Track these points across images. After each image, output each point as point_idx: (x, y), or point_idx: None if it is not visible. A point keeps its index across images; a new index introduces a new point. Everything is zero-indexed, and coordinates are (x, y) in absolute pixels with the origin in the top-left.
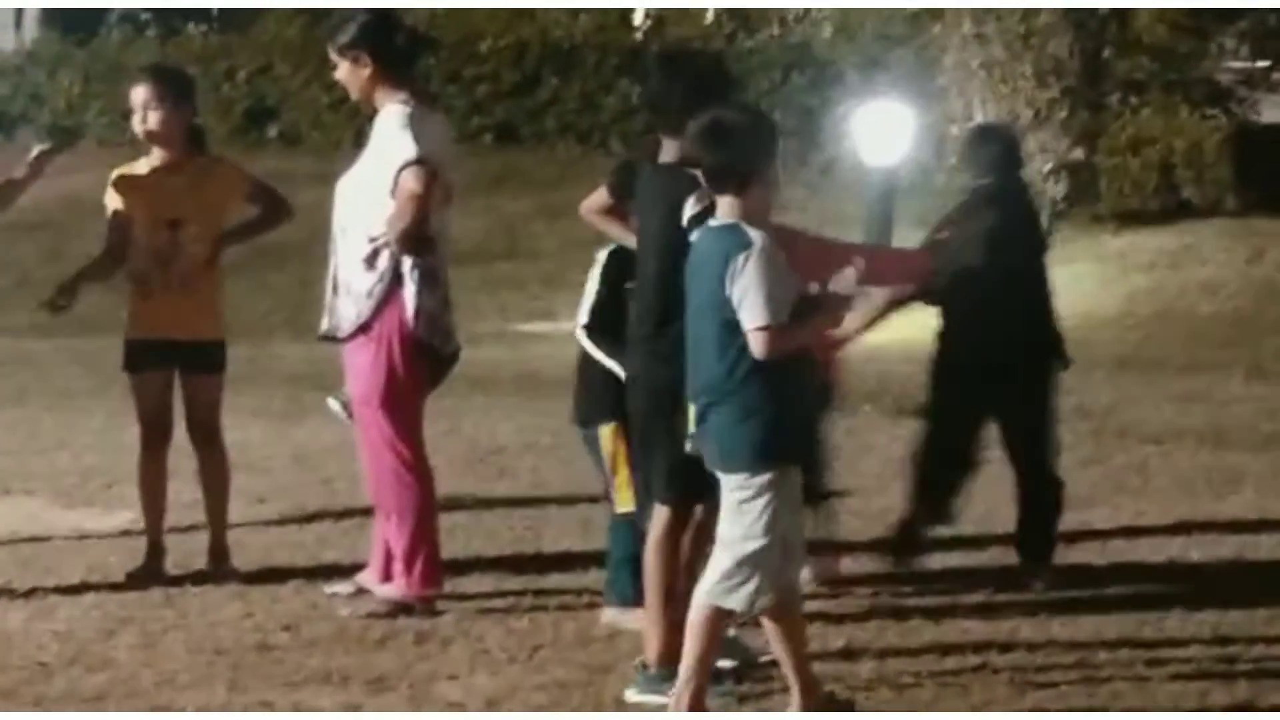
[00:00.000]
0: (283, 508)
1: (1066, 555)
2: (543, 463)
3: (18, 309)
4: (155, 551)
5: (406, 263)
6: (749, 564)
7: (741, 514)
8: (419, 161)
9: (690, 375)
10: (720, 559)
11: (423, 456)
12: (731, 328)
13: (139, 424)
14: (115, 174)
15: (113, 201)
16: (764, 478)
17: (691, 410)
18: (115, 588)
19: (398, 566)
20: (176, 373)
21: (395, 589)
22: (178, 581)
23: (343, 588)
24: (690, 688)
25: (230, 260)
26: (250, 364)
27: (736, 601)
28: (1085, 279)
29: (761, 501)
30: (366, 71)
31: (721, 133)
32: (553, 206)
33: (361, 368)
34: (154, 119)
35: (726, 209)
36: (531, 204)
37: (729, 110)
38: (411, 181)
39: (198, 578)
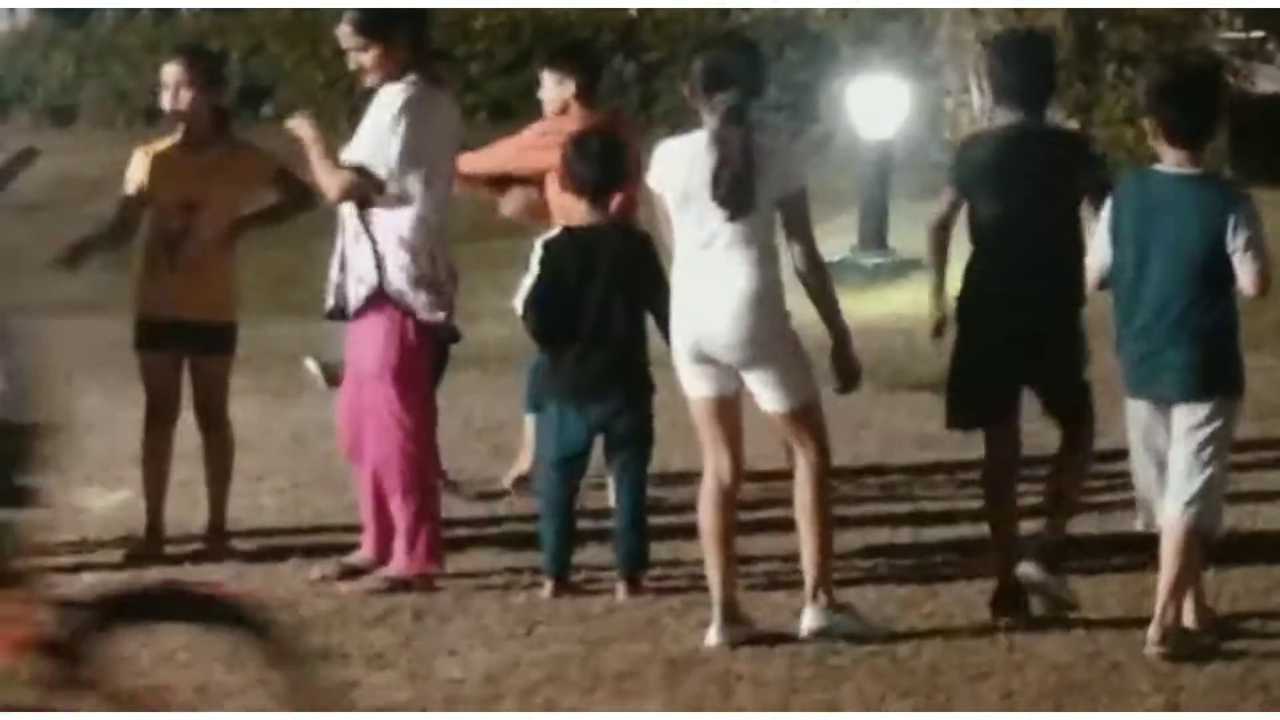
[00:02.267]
0: (279, 485)
1: None
2: None
3: (12, 290)
4: (154, 531)
5: (387, 241)
6: (1219, 486)
7: (1215, 440)
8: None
9: (1137, 310)
10: (1194, 483)
11: (429, 434)
12: (1221, 271)
13: (146, 403)
14: (140, 151)
15: (133, 177)
16: (1237, 404)
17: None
18: (114, 567)
19: (399, 543)
20: (185, 354)
21: (396, 566)
22: (176, 560)
23: (325, 569)
24: (1173, 607)
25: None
26: (246, 342)
27: (1214, 522)
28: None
29: (1230, 426)
30: (376, 51)
31: (1191, 91)
32: None
33: (373, 344)
34: (185, 98)
35: (1183, 160)
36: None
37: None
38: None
39: (195, 556)
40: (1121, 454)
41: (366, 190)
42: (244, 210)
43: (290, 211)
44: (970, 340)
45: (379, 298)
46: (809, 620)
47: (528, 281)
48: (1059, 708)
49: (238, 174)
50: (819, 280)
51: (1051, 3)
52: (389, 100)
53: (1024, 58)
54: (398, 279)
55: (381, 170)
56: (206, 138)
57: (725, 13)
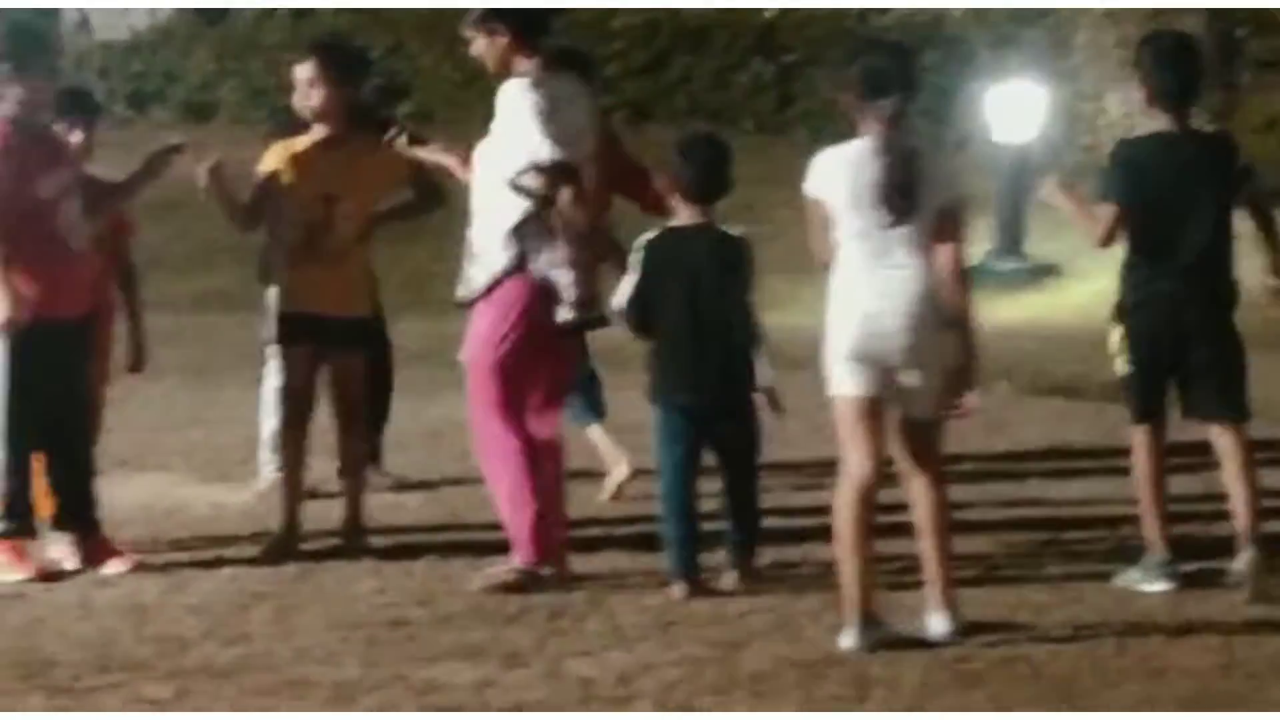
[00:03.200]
0: (416, 483)
1: None
2: None
3: (150, 287)
4: (291, 527)
5: (529, 234)
6: None
7: None
8: (554, 167)
9: None
10: None
11: (522, 425)
12: None
13: (282, 399)
14: (277, 145)
15: (268, 167)
16: None
17: None
18: (250, 562)
19: (511, 535)
20: (324, 350)
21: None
22: (313, 557)
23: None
24: None
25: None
26: (406, 338)
27: None
28: None
29: None
30: (503, 41)
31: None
32: None
33: (478, 332)
34: (316, 96)
35: None
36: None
37: None
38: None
39: (332, 553)
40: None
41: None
42: (380, 207)
43: (424, 209)
44: (1139, 342)
45: (496, 286)
46: (938, 626)
47: (628, 281)
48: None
49: (374, 169)
50: (961, 287)
51: (1191, 2)
52: (505, 98)
53: (1179, 61)
54: (518, 268)
55: (506, 168)
56: (341, 133)
57: (862, 15)
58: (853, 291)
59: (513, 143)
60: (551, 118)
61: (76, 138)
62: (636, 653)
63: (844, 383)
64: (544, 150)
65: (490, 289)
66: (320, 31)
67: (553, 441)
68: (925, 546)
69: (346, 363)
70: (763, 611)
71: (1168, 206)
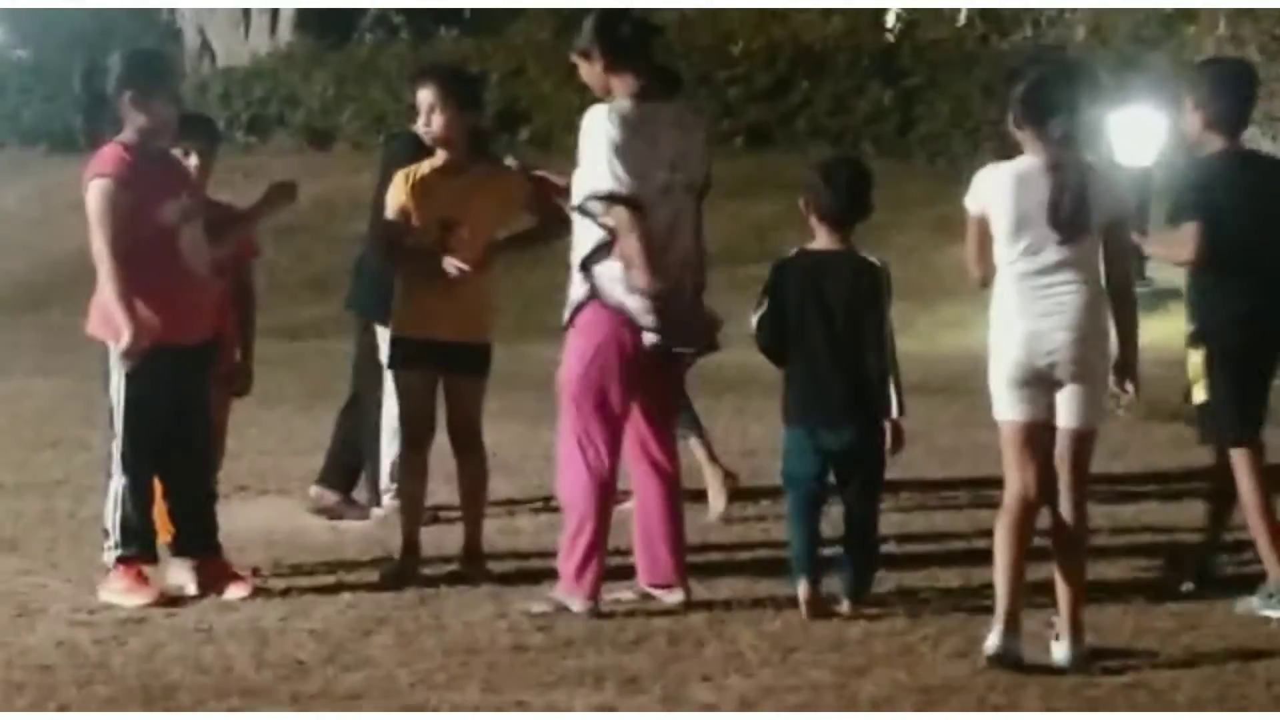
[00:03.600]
0: (535, 508)
1: None
2: None
3: (269, 312)
4: (411, 551)
5: (600, 261)
6: None
7: None
8: (609, 197)
9: None
10: None
11: (604, 459)
12: None
13: (401, 423)
14: (401, 173)
15: (394, 200)
16: None
17: None
18: (371, 587)
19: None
20: (441, 375)
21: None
22: (432, 582)
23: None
24: None
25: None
26: (502, 365)
27: None
28: None
29: None
30: (599, 66)
31: None
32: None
33: (566, 360)
34: (437, 122)
35: None
36: (783, 207)
37: None
38: (616, 223)
39: (452, 578)
40: None
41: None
42: (501, 233)
43: (545, 236)
44: (1227, 363)
45: (580, 310)
46: (1062, 655)
47: (762, 303)
48: None
49: (495, 195)
50: (1128, 302)
51: None
52: (585, 123)
53: (1239, 85)
54: (599, 294)
55: (622, 190)
56: (462, 159)
57: (984, 38)
58: (1018, 311)
59: (584, 170)
60: (626, 146)
61: (194, 162)
62: (757, 678)
63: (1010, 408)
64: (605, 179)
65: (573, 317)
66: (440, 56)
67: (664, 465)
68: (1062, 569)
69: (464, 388)
70: (883, 637)
71: (1243, 224)
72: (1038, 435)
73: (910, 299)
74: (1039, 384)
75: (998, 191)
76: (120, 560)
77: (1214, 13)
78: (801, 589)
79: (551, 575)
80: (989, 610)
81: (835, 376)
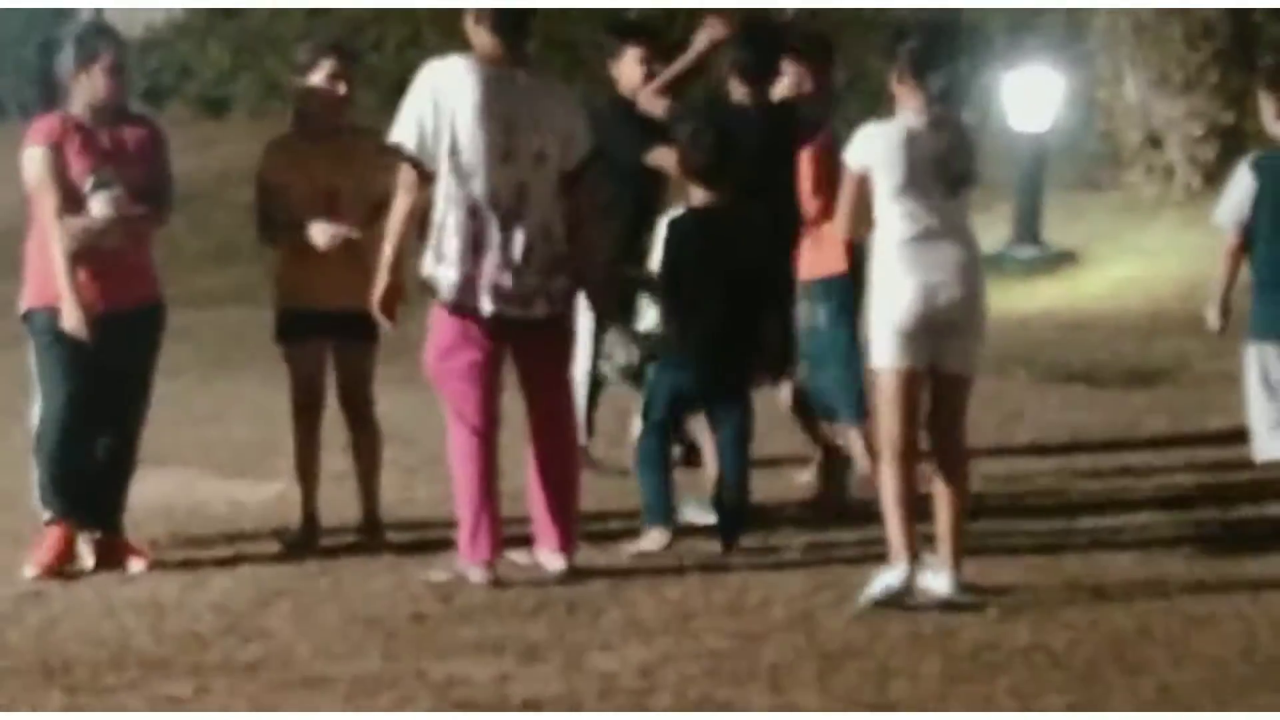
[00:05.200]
0: (434, 477)
1: None
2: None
3: (169, 282)
4: (309, 522)
5: (439, 227)
6: None
7: None
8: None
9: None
10: None
11: (480, 426)
12: None
13: (291, 394)
14: (271, 145)
15: (269, 174)
16: None
17: None
18: (269, 559)
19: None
20: (330, 343)
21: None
22: (331, 552)
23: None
24: None
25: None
26: (399, 334)
27: None
28: None
29: None
30: (470, 19)
31: None
32: None
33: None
34: (343, 89)
35: None
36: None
37: None
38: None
39: (351, 548)
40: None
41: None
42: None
43: None
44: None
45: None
46: (943, 585)
47: (654, 257)
48: (1218, 705)
49: (371, 157)
50: None
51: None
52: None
53: None
54: (427, 259)
55: (407, 145)
56: (334, 127)
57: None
58: (909, 265)
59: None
60: (440, 104)
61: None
62: (656, 645)
63: (893, 356)
64: (397, 130)
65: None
66: (336, 24)
67: (546, 432)
68: (945, 497)
69: (353, 356)
70: (782, 602)
71: None
72: (916, 382)
73: None
74: (924, 335)
75: (884, 149)
76: (48, 523)
77: None
78: (658, 534)
79: (449, 545)
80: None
81: (720, 321)
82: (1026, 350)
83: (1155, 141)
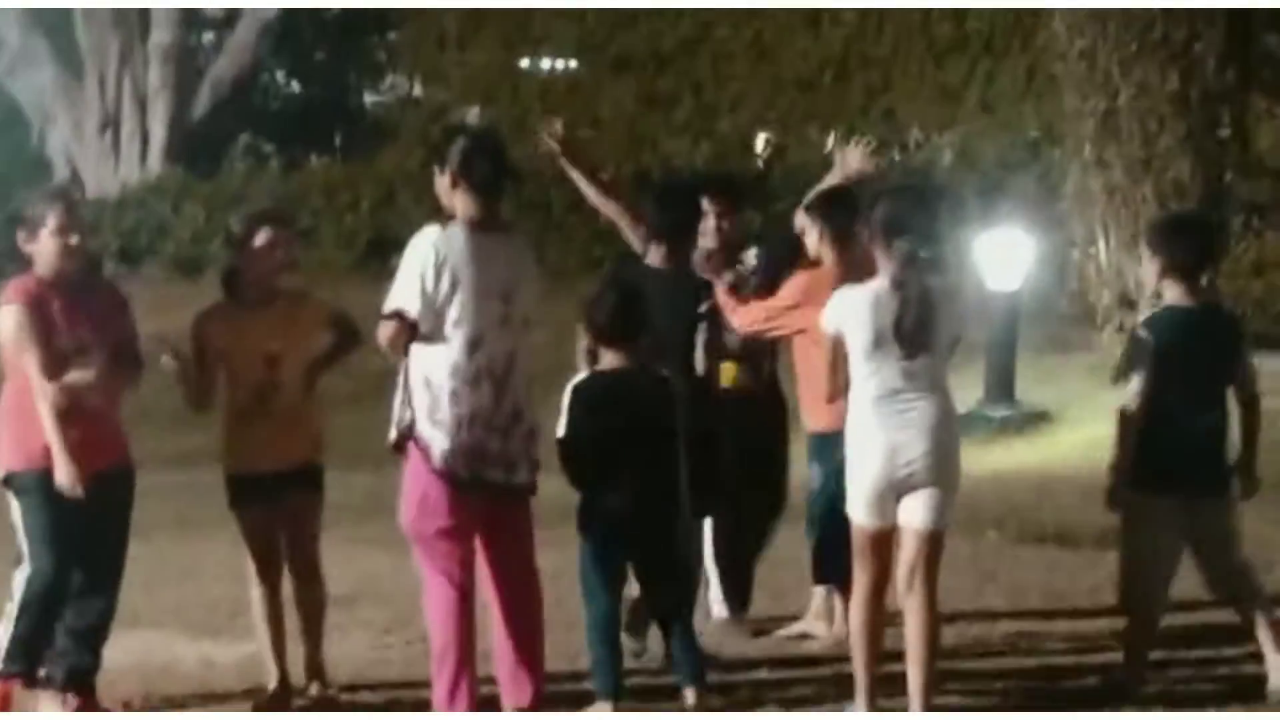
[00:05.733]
0: (409, 637)
1: None
2: None
3: (140, 443)
4: (283, 681)
5: (415, 395)
6: None
7: None
8: (395, 315)
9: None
10: None
11: (458, 582)
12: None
13: (253, 558)
14: (203, 315)
15: (207, 340)
16: None
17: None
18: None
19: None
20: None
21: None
22: (306, 710)
23: None
24: None
25: (346, 391)
26: (372, 495)
27: None
28: None
29: None
30: (444, 185)
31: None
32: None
33: (403, 485)
34: (288, 258)
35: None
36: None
37: None
38: (379, 334)
39: (322, 707)
40: None
41: (401, 335)
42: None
43: (349, 349)
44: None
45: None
46: None
47: (561, 423)
48: None
49: (307, 321)
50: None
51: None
52: (411, 242)
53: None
54: (419, 421)
55: (411, 313)
56: (273, 292)
57: None
58: (877, 425)
59: (397, 283)
60: (438, 273)
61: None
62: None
63: (866, 515)
64: (397, 298)
65: (401, 442)
66: (311, 184)
67: (509, 597)
68: (913, 665)
69: (300, 512)
70: None
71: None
72: (888, 537)
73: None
74: (893, 492)
75: (852, 311)
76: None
77: (1080, 137)
78: (605, 708)
79: (424, 706)
80: None
81: (637, 492)
82: (999, 510)
83: (1128, 302)
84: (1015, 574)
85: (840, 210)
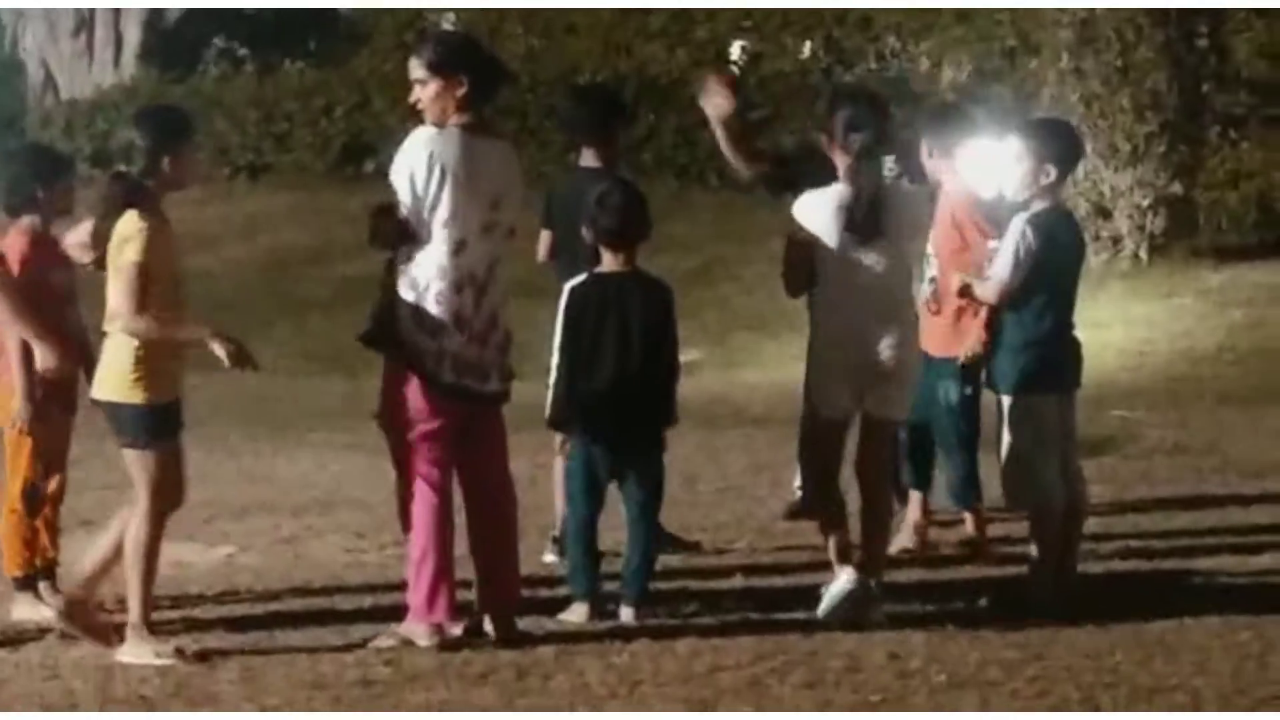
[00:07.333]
0: (383, 542)
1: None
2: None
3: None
4: None
5: (400, 297)
6: None
7: None
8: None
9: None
10: None
11: (438, 484)
12: None
13: (163, 496)
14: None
15: (145, 257)
16: None
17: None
18: (216, 623)
19: (416, 598)
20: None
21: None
22: (279, 617)
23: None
24: None
25: (318, 295)
26: (347, 399)
27: None
28: (1184, 314)
29: None
30: (460, 93)
31: None
32: (651, 241)
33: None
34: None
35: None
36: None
37: None
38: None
39: (297, 613)
40: None
41: (390, 231)
42: None
43: None
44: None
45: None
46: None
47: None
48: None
49: None
50: None
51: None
52: (405, 144)
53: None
54: (405, 325)
55: (401, 209)
56: None
57: (828, 71)
58: (843, 312)
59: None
60: (431, 175)
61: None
62: (604, 711)
63: (828, 405)
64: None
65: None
66: (286, 89)
67: (502, 497)
68: (866, 537)
69: None
70: (730, 669)
71: None
72: (844, 431)
73: (756, 330)
74: (854, 381)
75: (816, 210)
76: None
77: (1056, 46)
78: (580, 610)
79: (398, 611)
80: (836, 644)
81: (623, 394)
82: None
83: (1103, 212)
84: (990, 482)
85: (948, 127)
